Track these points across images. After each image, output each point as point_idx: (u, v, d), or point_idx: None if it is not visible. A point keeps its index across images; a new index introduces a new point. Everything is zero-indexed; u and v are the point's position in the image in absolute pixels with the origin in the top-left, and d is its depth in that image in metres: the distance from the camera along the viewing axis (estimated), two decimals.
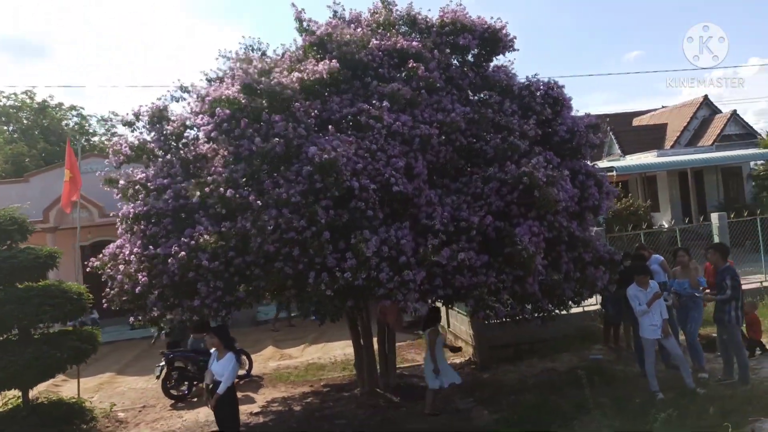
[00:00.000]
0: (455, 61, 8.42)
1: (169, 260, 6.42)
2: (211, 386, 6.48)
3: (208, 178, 6.50)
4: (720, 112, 26.42)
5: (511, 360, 10.07)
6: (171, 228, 6.79)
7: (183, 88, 8.46)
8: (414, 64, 7.57)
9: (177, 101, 8.17)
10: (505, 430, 6.60)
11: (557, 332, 10.23)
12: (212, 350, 6.60)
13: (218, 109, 6.81)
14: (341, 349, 12.90)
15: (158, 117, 7.63)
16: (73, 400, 8.92)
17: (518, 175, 6.48)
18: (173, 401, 10.08)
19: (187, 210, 6.89)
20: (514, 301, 6.89)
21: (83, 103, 53.63)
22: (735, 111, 26.04)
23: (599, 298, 9.68)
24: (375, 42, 7.84)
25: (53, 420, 8.12)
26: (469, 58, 8.50)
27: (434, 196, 6.72)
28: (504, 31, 8.26)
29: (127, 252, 6.80)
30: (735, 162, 21.84)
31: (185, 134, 7.84)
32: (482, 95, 7.82)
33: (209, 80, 8.58)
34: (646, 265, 7.55)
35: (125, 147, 7.51)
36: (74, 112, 34.37)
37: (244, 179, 6.59)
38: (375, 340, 9.41)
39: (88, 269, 8.01)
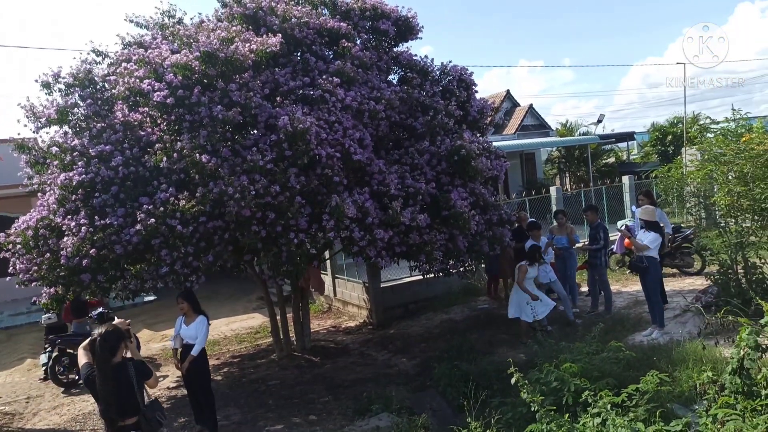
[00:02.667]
0: (373, 43, 9.19)
1: (129, 229, 6.26)
2: (181, 350, 6.49)
3: (177, 144, 6.42)
4: (519, 105, 30.75)
5: (406, 317, 11.30)
6: (122, 197, 6.54)
7: (97, 52, 7.94)
8: (347, 44, 8.20)
9: (98, 64, 7.64)
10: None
11: (442, 291, 11.75)
12: (180, 316, 6.58)
13: (170, 75, 6.70)
14: (225, 326, 12.92)
15: (87, 80, 7.11)
16: None
17: (455, 147, 7.59)
18: (64, 388, 9.35)
19: (135, 178, 6.68)
20: (444, 257, 8.00)
21: None
22: (531, 105, 30.45)
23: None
24: (306, 20, 8.26)
25: None
26: (384, 41, 9.33)
27: (382, 165, 7.51)
28: (415, 20, 9.26)
29: (73, 225, 6.37)
30: (533, 148, 25.89)
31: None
32: (405, 73, 8.73)
33: (126, 45, 8.13)
34: (537, 221, 9.33)
35: (52, 110, 6.88)
36: None
37: (208, 146, 6.63)
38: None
39: None
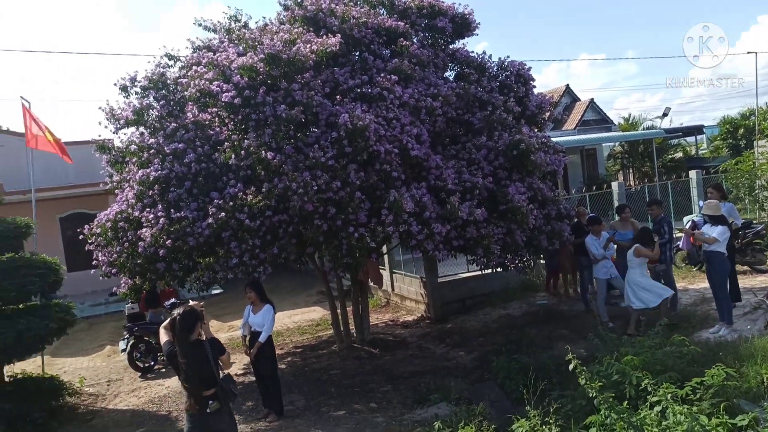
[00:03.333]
0: (430, 41, 9.31)
1: (201, 222, 6.65)
2: (249, 337, 6.86)
3: (245, 142, 6.77)
4: (579, 99, 29.98)
5: (463, 312, 11.37)
6: (195, 192, 6.96)
7: (170, 56, 8.43)
8: (404, 42, 8.36)
9: (170, 68, 8.14)
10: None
11: (499, 286, 11.73)
12: (248, 306, 6.95)
13: (236, 76, 7.07)
14: (288, 318, 13.36)
15: (161, 83, 7.60)
16: (49, 376, 8.57)
17: (514, 142, 7.62)
18: (141, 373, 9.98)
19: (206, 174, 7.09)
20: (502, 252, 8.03)
21: None
22: (592, 99, 29.59)
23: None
24: (364, 20, 8.47)
25: (39, 395, 7.83)
26: (440, 38, 9.42)
27: (439, 160, 7.62)
28: (472, 17, 9.31)
29: (152, 216, 6.83)
30: (594, 144, 25.18)
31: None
32: (462, 69, 8.81)
33: (196, 48, 8.60)
34: (597, 216, 9.20)
35: (129, 111, 7.41)
36: None
37: (272, 143, 6.95)
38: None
39: (80, 236, 7.83)
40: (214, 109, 7.68)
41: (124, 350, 10.08)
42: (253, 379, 9.13)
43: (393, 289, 13.41)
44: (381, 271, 12.95)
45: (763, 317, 7.30)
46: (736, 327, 7.16)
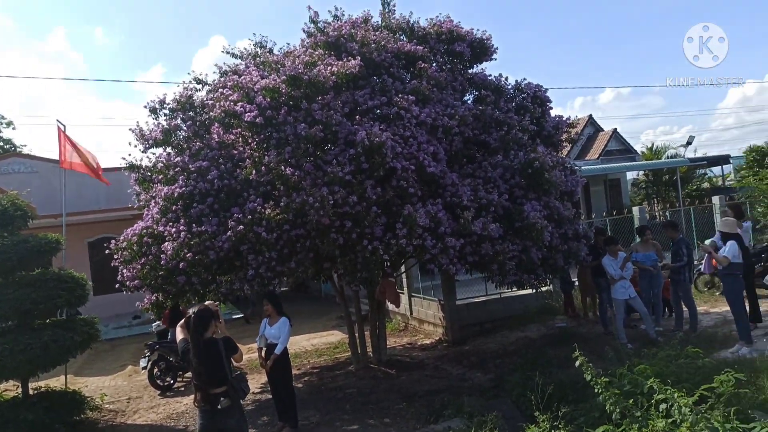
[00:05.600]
0: (449, 65, 9.56)
1: (221, 236, 6.86)
2: (265, 349, 6.97)
3: (265, 158, 7.02)
4: (602, 129, 29.97)
5: (481, 335, 11.31)
6: (217, 207, 7.20)
7: (198, 80, 8.82)
8: (423, 65, 8.61)
9: (198, 91, 8.51)
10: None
11: (518, 310, 11.69)
12: (264, 318, 7.09)
13: (259, 97, 7.37)
14: (306, 341, 13.42)
15: (189, 104, 7.95)
16: (71, 390, 8.76)
17: (529, 160, 7.73)
18: (160, 391, 10.11)
19: (228, 190, 7.33)
20: (518, 270, 8.05)
21: None
22: (615, 129, 29.58)
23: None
24: (384, 44, 8.77)
25: (61, 408, 8.00)
26: (459, 63, 9.67)
27: (456, 177, 7.76)
28: (490, 42, 9.56)
29: (174, 231, 7.07)
30: (617, 172, 25.06)
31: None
32: (479, 93, 9.01)
33: (223, 73, 8.98)
34: (614, 237, 9.17)
35: (158, 131, 7.75)
36: None
37: (292, 161, 7.18)
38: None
39: (107, 251, 8.11)
40: (238, 130, 7.99)
41: (144, 368, 10.24)
42: (270, 396, 9.24)
43: (411, 313, 13.41)
44: (400, 294, 12.99)
45: None
46: (756, 347, 7.02)
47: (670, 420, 3.40)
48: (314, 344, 13.05)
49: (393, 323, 13.83)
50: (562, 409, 5.54)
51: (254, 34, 9.55)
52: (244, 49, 9.34)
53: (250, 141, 7.80)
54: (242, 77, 7.86)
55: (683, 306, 8.70)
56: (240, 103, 7.44)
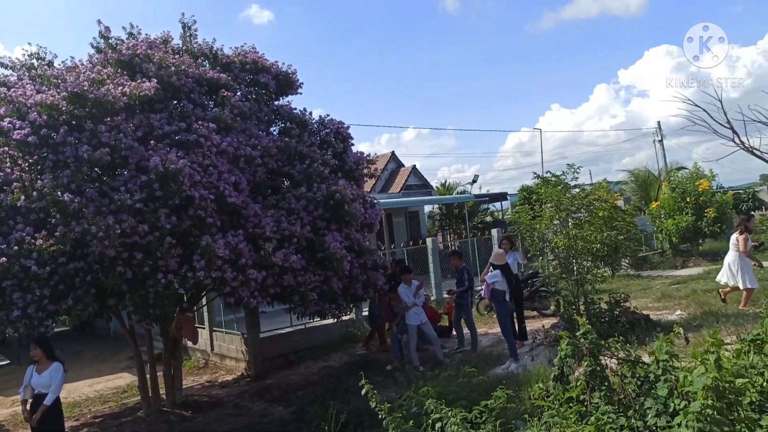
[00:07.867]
0: (254, 96, 9.51)
1: None
2: (31, 401, 6.02)
3: (38, 183, 6.19)
4: (404, 165, 32.27)
5: (285, 367, 11.18)
6: None
7: None
8: (227, 93, 8.46)
9: None
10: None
11: (322, 339, 11.83)
12: (30, 365, 6.14)
13: (34, 114, 6.55)
14: (88, 387, 12.03)
15: None
16: None
17: (330, 192, 7.96)
18: None
19: None
20: (320, 300, 8.18)
21: None
22: (414, 166, 32.03)
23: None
24: (184, 68, 8.44)
25: None
26: (265, 94, 9.68)
27: (258, 209, 7.68)
28: (295, 76, 9.75)
29: None
30: (416, 205, 27.18)
31: None
32: (284, 125, 9.10)
33: None
34: (408, 266, 9.81)
35: None
36: None
37: (72, 186, 6.46)
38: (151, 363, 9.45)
39: None
40: (5, 149, 6.98)
41: None
42: None
43: (213, 349, 12.78)
44: (200, 329, 12.32)
45: (543, 352, 8.30)
46: (522, 363, 8.03)
47: None
48: (98, 390, 11.71)
49: (192, 361, 13.03)
50: None
51: (29, 43, 8.40)
52: (17, 59, 8.25)
53: (20, 162, 6.85)
54: (12, 90, 6.92)
55: (464, 327, 9.61)
56: (8, 119, 6.53)
